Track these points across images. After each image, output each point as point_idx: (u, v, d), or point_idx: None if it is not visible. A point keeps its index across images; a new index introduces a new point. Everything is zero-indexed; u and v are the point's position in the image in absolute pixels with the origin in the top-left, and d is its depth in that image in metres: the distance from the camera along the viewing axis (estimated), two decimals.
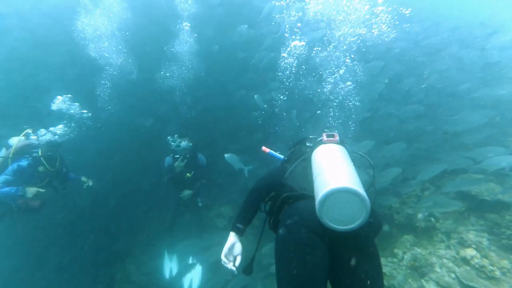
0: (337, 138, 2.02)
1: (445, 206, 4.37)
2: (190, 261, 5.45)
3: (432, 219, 4.96)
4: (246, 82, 7.08)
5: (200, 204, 5.53)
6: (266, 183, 2.09)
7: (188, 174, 5.24)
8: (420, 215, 5.06)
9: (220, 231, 6.32)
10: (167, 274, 5.39)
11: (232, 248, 1.93)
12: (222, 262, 1.89)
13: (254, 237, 4.51)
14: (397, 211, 5.42)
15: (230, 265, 1.88)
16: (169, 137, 5.31)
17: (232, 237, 1.96)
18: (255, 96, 6.50)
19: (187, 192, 5.25)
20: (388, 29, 6.36)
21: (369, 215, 1.48)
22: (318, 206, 1.51)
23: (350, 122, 5.35)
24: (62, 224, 6.89)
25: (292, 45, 6.11)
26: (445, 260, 4.19)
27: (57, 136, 4.43)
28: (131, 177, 7.20)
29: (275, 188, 2.03)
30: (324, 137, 2.03)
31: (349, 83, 5.49)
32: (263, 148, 2.66)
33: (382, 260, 4.86)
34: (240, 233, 1.97)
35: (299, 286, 1.48)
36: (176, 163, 5.12)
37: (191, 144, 5.27)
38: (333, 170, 1.60)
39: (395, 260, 4.72)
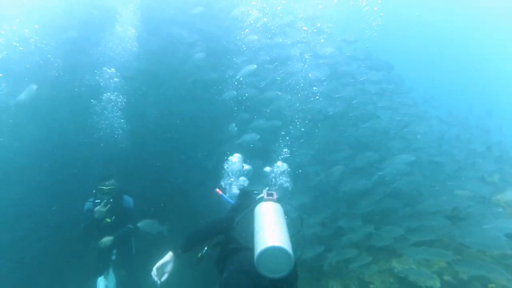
0: (275, 197, 2.44)
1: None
2: None
3: None
4: None
5: (113, 258, 4.69)
6: (215, 227, 2.48)
7: (107, 219, 4.57)
8: None
9: None
10: None
11: (165, 265, 2.24)
12: (152, 272, 2.19)
13: None
14: None
15: (156, 278, 2.18)
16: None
17: (168, 256, 2.28)
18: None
19: (106, 239, 4.47)
20: None
21: (293, 266, 1.92)
22: (256, 260, 1.90)
23: None
24: None
25: None
26: None
27: None
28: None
29: (221, 232, 2.43)
30: (265, 195, 2.45)
31: None
32: (217, 190, 3.13)
33: None
34: (176, 256, 2.30)
35: None
36: (97, 208, 4.46)
37: (114, 186, 4.70)
38: (269, 230, 2.03)
39: None
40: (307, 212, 5.27)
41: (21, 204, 6.22)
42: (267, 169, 3.87)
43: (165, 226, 5.08)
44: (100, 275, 4.67)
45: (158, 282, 2.17)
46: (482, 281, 4.70)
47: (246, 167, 3.77)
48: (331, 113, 6.29)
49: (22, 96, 6.12)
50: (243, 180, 3.63)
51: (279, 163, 3.91)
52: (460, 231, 4.61)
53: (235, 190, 3.42)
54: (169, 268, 2.24)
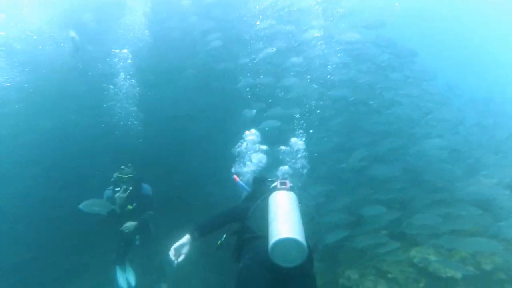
0: (288, 185, 2.47)
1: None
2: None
3: None
4: None
5: (137, 243, 4.84)
6: (231, 215, 2.55)
7: (129, 206, 4.70)
8: None
9: None
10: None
11: (182, 247, 2.32)
12: (169, 252, 2.28)
13: None
14: (356, 283, 5.12)
15: (174, 258, 2.27)
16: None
17: (185, 239, 2.35)
18: None
19: (130, 224, 4.63)
20: None
21: (306, 256, 2.00)
22: (270, 250, 1.99)
23: None
24: None
25: None
26: None
27: None
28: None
29: (237, 220, 2.51)
30: (278, 185, 2.49)
31: None
32: (235, 176, 3.16)
33: None
34: (193, 239, 2.36)
35: None
36: (117, 194, 4.62)
37: (133, 174, 4.84)
38: (281, 220, 2.09)
39: None
40: (329, 199, 5.22)
41: (30, 197, 6.37)
42: (282, 148, 3.80)
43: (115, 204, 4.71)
44: (119, 264, 4.82)
45: (176, 262, 2.27)
46: (507, 272, 4.60)
47: (262, 147, 3.70)
48: (352, 99, 6.15)
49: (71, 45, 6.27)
50: (260, 158, 3.56)
51: (293, 139, 3.83)
52: (498, 221, 4.43)
53: (249, 169, 3.42)
54: (185, 250, 2.32)
